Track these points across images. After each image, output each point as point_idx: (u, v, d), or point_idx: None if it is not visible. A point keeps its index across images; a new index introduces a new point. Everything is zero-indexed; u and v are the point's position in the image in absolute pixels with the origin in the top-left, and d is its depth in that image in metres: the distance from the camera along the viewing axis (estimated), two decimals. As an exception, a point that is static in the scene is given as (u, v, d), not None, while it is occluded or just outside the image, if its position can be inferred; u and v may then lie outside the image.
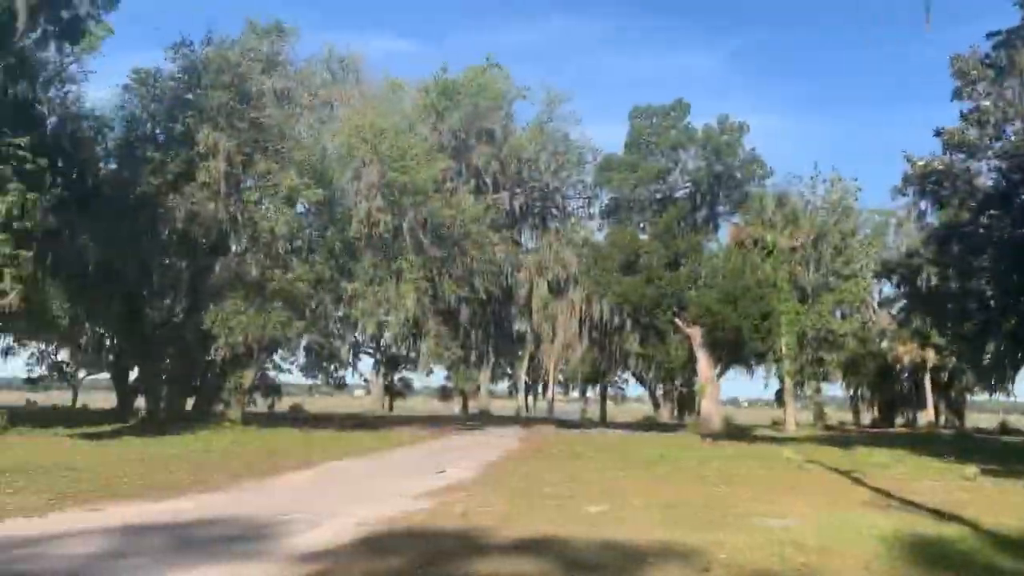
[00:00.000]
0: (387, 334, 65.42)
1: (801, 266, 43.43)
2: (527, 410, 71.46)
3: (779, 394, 69.28)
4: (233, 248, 29.64)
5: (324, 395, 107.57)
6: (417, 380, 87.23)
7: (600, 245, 34.79)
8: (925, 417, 56.25)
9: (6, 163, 19.83)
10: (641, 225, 35.65)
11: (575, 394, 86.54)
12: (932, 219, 52.82)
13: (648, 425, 48.24)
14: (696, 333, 35.17)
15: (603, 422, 50.62)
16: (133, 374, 49.88)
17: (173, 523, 9.38)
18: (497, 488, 13.30)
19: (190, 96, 29.33)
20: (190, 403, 32.25)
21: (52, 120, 28.93)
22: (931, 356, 52.13)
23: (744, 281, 33.85)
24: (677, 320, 34.88)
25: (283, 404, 65.62)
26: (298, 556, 7.75)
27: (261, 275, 27.53)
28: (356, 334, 33.11)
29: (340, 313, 31.15)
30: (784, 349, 40.42)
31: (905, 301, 55.42)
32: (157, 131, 30.55)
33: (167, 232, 28.95)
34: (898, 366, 58.19)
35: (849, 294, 46.50)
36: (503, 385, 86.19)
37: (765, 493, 13.20)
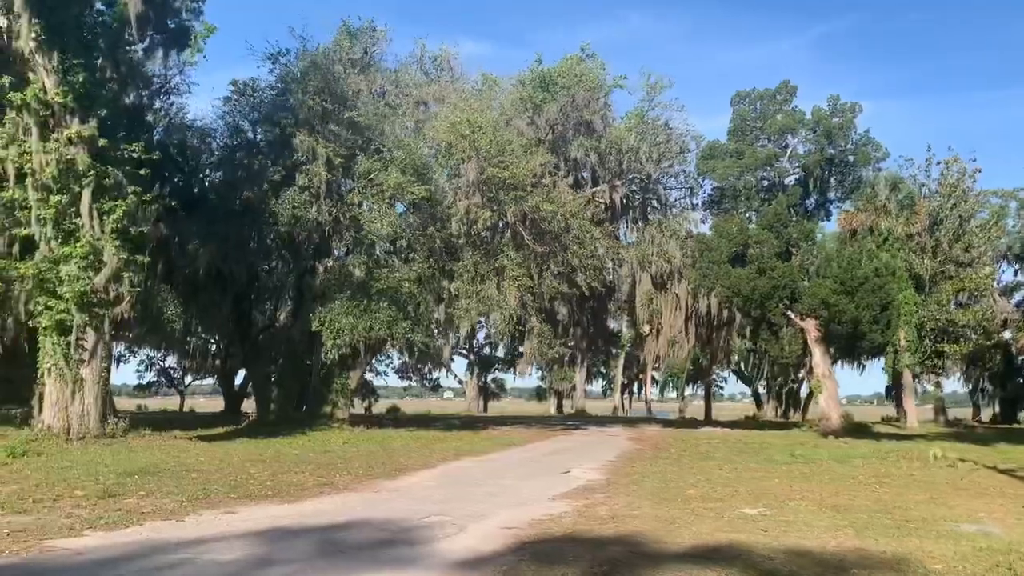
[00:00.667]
0: (481, 334, 65.61)
1: (916, 254, 41.00)
2: (623, 409, 70.33)
3: (889, 390, 66.35)
4: (336, 250, 29.59)
5: (414, 397, 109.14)
6: (509, 381, 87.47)
7: (706, 236, 33.38)
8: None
9: (121, 168, 20.03)
10: (747, 214, 34.08)
11: (670, 393, 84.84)
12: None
13: (756, 423, 46.48)
14: (811, 326, 33.41)
15: (708, 420, 49.08)
16: (239, 378, 51.34)
17: (315, 526, 8.89)
18: (634, 490, 12.46)
19: (288, 101, 29.47)
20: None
21: (158, 130, 29.60)
22: (1061, 347, 48.53)
23: (861, 270, 31.97)
24: (790, 313, 33.22)
25: (379, 406, 66.60)
26: (455, 563, 7.11)
27: (366, 276, 27.34)
28: (457, 334, 32.62)
29: (441, 313, 30.77)
30: (903, 341, 38.17)
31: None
32: (258, 138, 30.85)
33: (272, 237, 29.13)
34: (1020, 358, 54.74)
35: (971, 282, 43.71)
36: (595, 385, 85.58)
37: (937, 495, 11.95)
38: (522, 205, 28.29)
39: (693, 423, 43.28)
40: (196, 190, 29.91)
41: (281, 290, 32.07)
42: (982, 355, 48.21)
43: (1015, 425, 55.48)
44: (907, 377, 41.30)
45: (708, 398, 56.07)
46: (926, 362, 44.48)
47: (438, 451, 20.29)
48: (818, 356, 33.83)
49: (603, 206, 33.38)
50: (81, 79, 19.38)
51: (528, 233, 28.99)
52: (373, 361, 40.30)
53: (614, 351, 56.29)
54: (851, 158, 34.39)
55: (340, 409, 29.62)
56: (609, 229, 34.30)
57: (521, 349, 73.69)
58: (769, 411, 67.04)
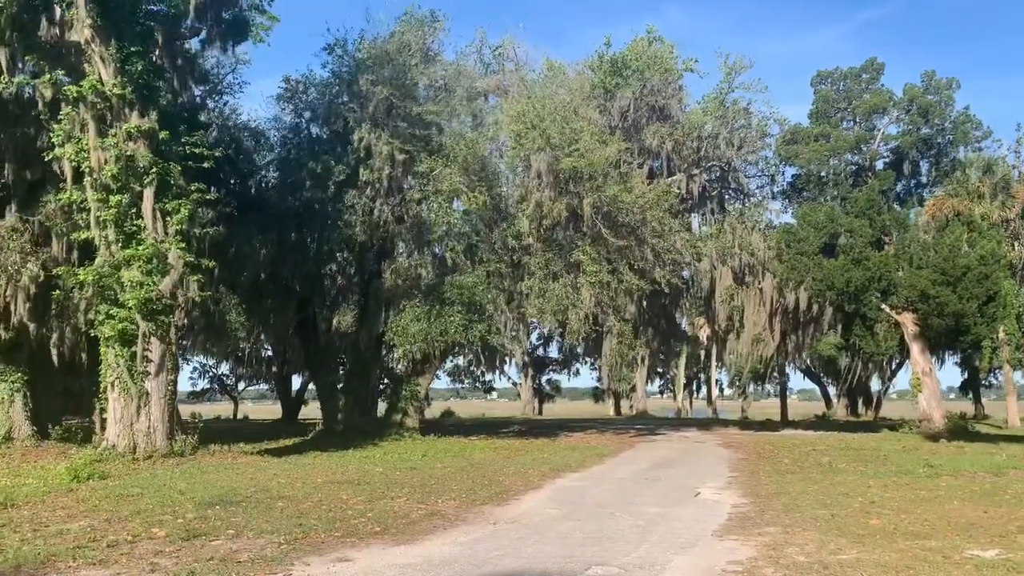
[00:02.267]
0: (534, 335, 63.86)
1: (1009, 241, 38.20)
2: (686, 410, 68.03)
3: (964, 385, 63.04)
4: (401, 251, 28.01)
5: (459, 399, 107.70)
6: (563, 381, 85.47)
7: (792, 226, 31.13)
8: None
9: (183, 164, 18.60)
10: (835, 202, 31.77)
11: (726, 391, 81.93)
12: None
13: (833, 424, 44.00)
14: (908, 320, 30.99)
15: (784, 421, 46.69)
16: (295, 384, 50.26)
17: (459, 585, 7.13)
18: (799, 518, 10.53)
19: (346, 97, 27.93)
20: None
21: (212, 131, 28.40)
22: None
23: (964, 259, 29.48)
24: (885, 307, 30.84)
25: (431, 409, 65.25)
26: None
27: (436, 278, 25.73)
28: (530, 334, 30.92)
29: (513, 313, 29.03)
30: (1003, 334, 35.45)
31: None
32: (316, 135, 29.44)
33: (334, 238, 27.69)
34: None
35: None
36: (652, 384, 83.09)
37: None
38: (599, 196, 26.34)
39: (771, 425, 41.01)
40: (253, 192, 28.63)
41: (346, 294, 30.60)
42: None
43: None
44: (1008, 373, 38.55)
45: (784, 398, 53.59)
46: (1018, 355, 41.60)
47: (529, 465, 18.51)
48: (916, 352, 31.40)
49: (679, 197, 31.24)
50: (139, 68, 17.98)
51: (605, 226, 27.03)
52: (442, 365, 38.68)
53: (676, 349, 54.01)
54: (949, 138, 31.87)
55: (410, 417, 28.07)
56: (686, 221, 32.22)
57: (578, 350, 72.38)
58: (840, 410, 64.31)
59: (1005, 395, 40.93)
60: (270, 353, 48.28)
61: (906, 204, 33.03)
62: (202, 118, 26.78)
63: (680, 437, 30.80)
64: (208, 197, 20.01)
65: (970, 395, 61.43)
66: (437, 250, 27.46)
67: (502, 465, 18.44)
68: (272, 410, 61.93)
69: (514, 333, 30.61)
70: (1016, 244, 39.59)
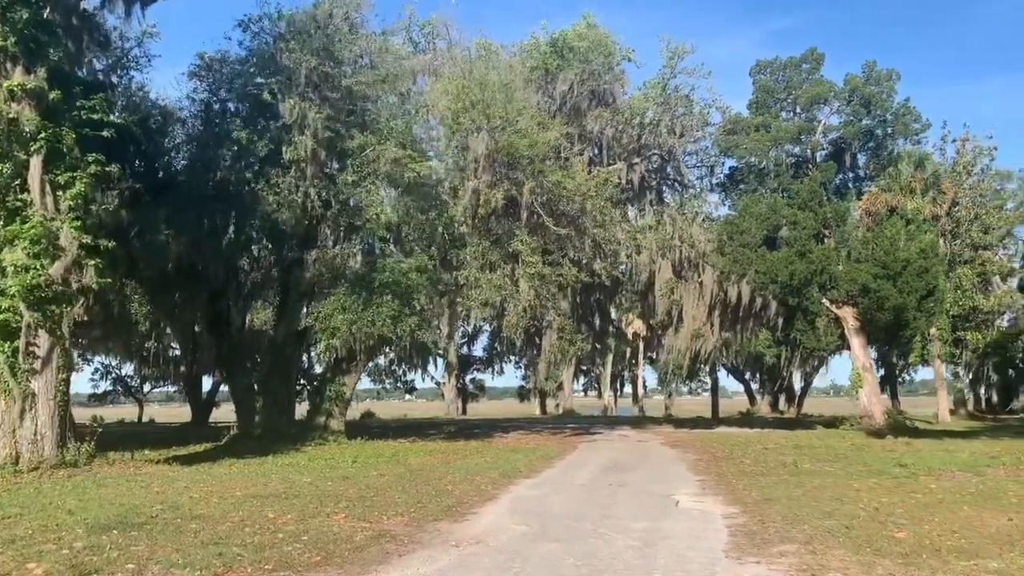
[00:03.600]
0: (457, 333, 62.01)
1: (941, 236, 38.50)
2: (613, 409, 67.25)
3: (883, 380, 64.13)
4: (329, 238, 25.82)
5: (376, 399, 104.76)
6: (487, 380, 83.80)
7: (735, 218, 30.23)
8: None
9: (79, 131, 16.13)
10: (774, 194, 31.04)
11: (651, 389, 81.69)
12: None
13: (765, 421, 43.69)
14: (848, 314, 30.50)
15: (716, 418, 46.21)
16: (206, 385, 47.08)
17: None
18: (807, 531, 9.15)
19: (268, 70, 25.59)
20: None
21: (117, 110, 25.70)
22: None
23: (904, 252, 29.12)
24: (825, 301, 30.27)
25: (350, 411, 62.60)
26: None
27: (365, 266, 23.70)
28: (462, 329, 29.11)
29: (445, 307, 27.21)
30: (934, 329, 35.56)
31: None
32: (233, 111, 26.96)
33: (252, 225, 25.36)
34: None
35: (992, 265, 41.46)
36: (576, 383, 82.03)
37: None
38: (541, 181, 24.80)
39: (704, 423, 40.26)
40: (163, 173, 25.97)
41: (264, 285, 28.17)
42: (1007, 343, 45.94)
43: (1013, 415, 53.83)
44: (937, 368, 38.79)
45: (715, 395, 53.18)
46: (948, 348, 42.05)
47: (474, 470, 16.78)
48: (856, 347, 30.93)
49: (619, 186, 29.97)
50: (24, 18, 15.44)
51: (545, 214, 25.51)
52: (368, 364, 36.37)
53: (609, 346, 53.05)
54: (889, 130, 31.54)
55: (335, 419, 25.94)
56: (631, 211, 31.01)
57: (497, 347, 70.74)
58: (764, 407, 64.63)
59: (936, 390, 41.18)
60: (178, 352, 45.04)
61: (845, 197, 32.63)
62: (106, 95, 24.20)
63: (619, 436, 29.54)
64: (109, 170, 17.54)
65: (885, 391, 62.60)
66: (366, 238, 25.39)
67: (444, 471, 16.65)
68: (181, 413, 58.36)
69: (447, 328, 28.78)
70: (946, 240, 40.01)
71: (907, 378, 64.80)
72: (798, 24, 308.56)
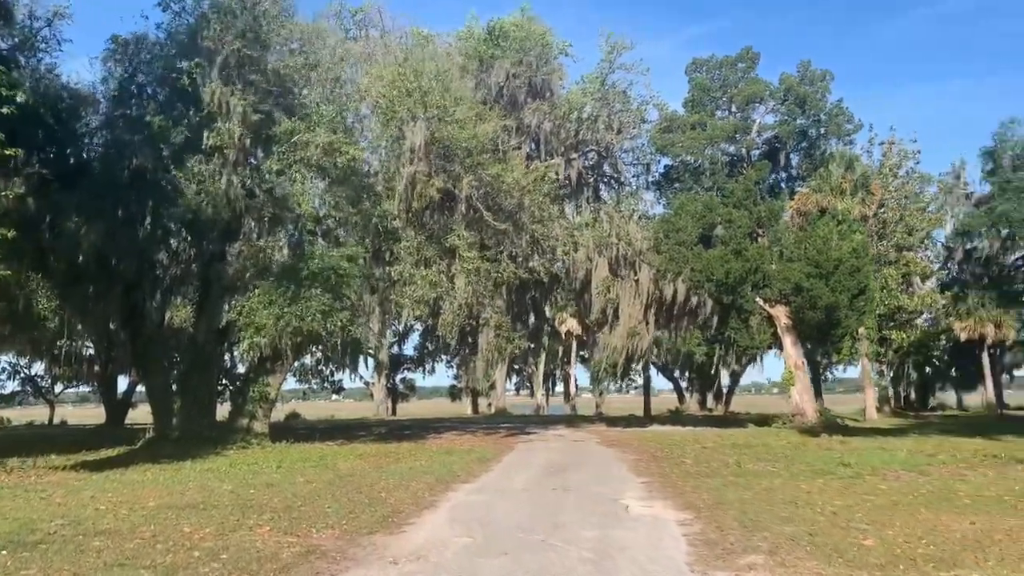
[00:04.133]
0: (389, 332, 60.78)
1: (871, 236, 39.17)
2: (544, 407, 66.89)
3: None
4: (253, 230, 24.51)
5: (302, 400, 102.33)
6: (417, 380, 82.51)
7: (671, 216, 29.99)
8: (983, 397, 52.14)
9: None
10: (710, 192, 30.96)
11: (582, 387, 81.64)
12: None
13: (696, 419, 43.81)
14: (781, 313, 30.62)
15: (648, 416, 46.22)
16: (122, 385, 44.80)
17: None
18: (774, 541, 8.61)
19: (188, 51, 24.15)
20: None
21: (25, 90, 23.92)
22: (990, 332, 48.03)
23: (837, 252, 29.34)
24: (759, 299, 30.31)
25: (275, 412, 60.70)
26: None
27: (293, 258, 22.54)
28: (396, 327, 28.12)
29: (379, 304, 26.22)
30: (862, 329, 36.07)
31: (960, 273, 51.77)
32: (150, 94, 25.40)
33: (171, 215, 23.92)
34: (943, 342, 54.26)
35: (915, 266, 42.47)
36: (508, 382, 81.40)
37: None
38: (479, 174, 24.03)
39: (637, 421, 40.09)
40: (73, 160, 24.29)
41: (183, 279, 26.64)
42: (929, 342, 47.20)
43: (935, 412, 55.54)
44: (865, 366, 39.45)
45: (647, 393, 53.07)
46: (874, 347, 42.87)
47: (408, 475, 15.90)
48: (789, 345, 31.09)
49: (557, 182, 29.41)
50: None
51: (484, 208, 24.76)
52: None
53: (544, 344, 52.64)
54: (823, 130, 31.78)
55: (259, 421, 24.67)
56: (570, 207, 30.50)
57: (429, 346, 69.62)
58: (692, 404, 65.25)
59: (859, 388, 41.87)
60: (92, 351, 42.74)
61: (779, 196, 32.80)
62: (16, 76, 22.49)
63: (554, 436, 28.99)
64: (10, 153, 16.10)
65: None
66: (293, 230, 24.20)
67: (376, 476, 15.73)
68: (96, 414, 55.62)
69: (379, 326, 27.76)
70: (874, 241, 40.75)
71: (828, 377, 66.33)
72: (725, 28, 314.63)
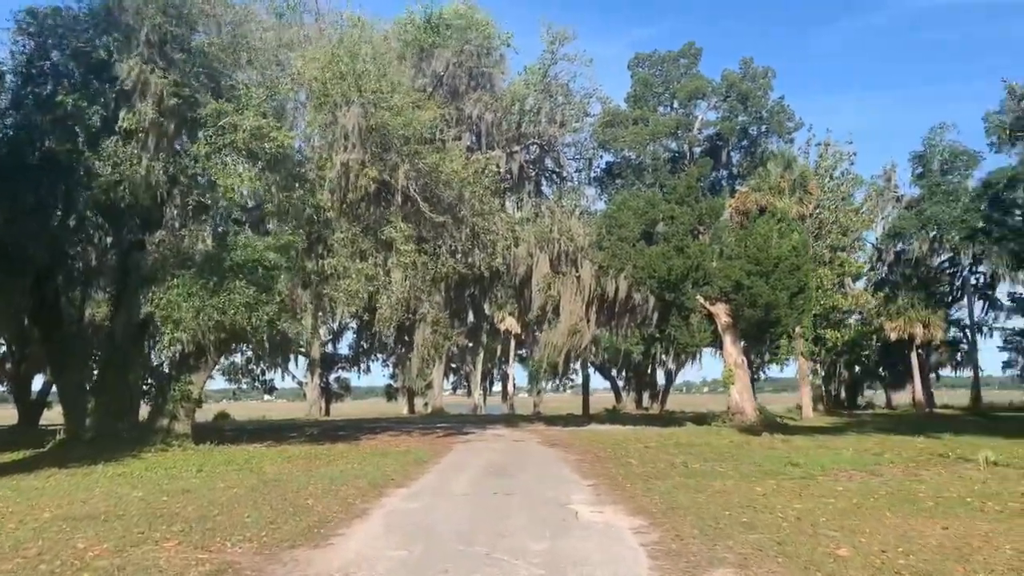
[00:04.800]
0: (323, 329, 59.16)
1: (808, 235, 39.37)
2: (482, 407, 66.00)
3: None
4: (176, 218, 23.03)
5: (232, 400, 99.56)
6: (352, 380, 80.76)
7: (614, 211, 29.41)
8: (912, 396, 53.21)
9: None
10: (651, 188, 30.51)
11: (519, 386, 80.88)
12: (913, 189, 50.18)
13: (633, 417, 43.49)
14: (721, 311, 30.37)
15: (586, 415, 45.77)
16: (38, 383, 42.29)
17: None
18: (741, 550, 7.94)
19: (106, 26, 22.55)
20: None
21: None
22: (919, 332, 49.00)
23: (776, 249, 29.21)
24: (699, 297, 30.00)
25: (203, 412, 58.55)
26: None
27: (217, 247, 21.17)
28: (331, 323, 26.92)
29: (311, 298, 24.96)
30: (800, 328, 36.21)
31: (888, 274, 52.81)
32: (63, 71, 23.69)
33: (86, 202, 22.34)
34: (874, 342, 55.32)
35: (851, 267, 42.94)
36: (446, 381, 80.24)
37: None
38: (417, 164, 23.01)
39: (575, 420, 39.55)
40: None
41: (99, 271, 24.97)
42: (862, 342, 47.88)
43: (866, 410, 56.54)
44: (802, 365, 39.63)
45: (586, 392, 52.67)
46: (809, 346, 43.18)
47: (339, 478, 14.87)
48: (729, 344, 30.89)
49: (498, 175, 28.56)
50: None
51: (422, 200, 23.75)
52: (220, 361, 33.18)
53: (482, 342, 51.78)
54: (764, 128, 31.65)
55: (180, 422, 23.21)
56: (512, 200, 29.65)
57: (364, 344, 68.01)
58: (629, 403, 65.22)
59: (790, 387, 42.10)
60: (3, 348, 40.30)
61: (720, 194, 32.56)
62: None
63: (493, 436, 28.16)
64: None
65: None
66: (219, 218, 22.82)
67: (305, 481, 14.66)
68: (8, 415, 52.63)
69: (312, 322, 26.48)
70: (810, 240, 40.99)
71: (760, 376, 67.06)
72: (664, 31, 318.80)
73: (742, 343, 31.38)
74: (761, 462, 16.57)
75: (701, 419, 36.57)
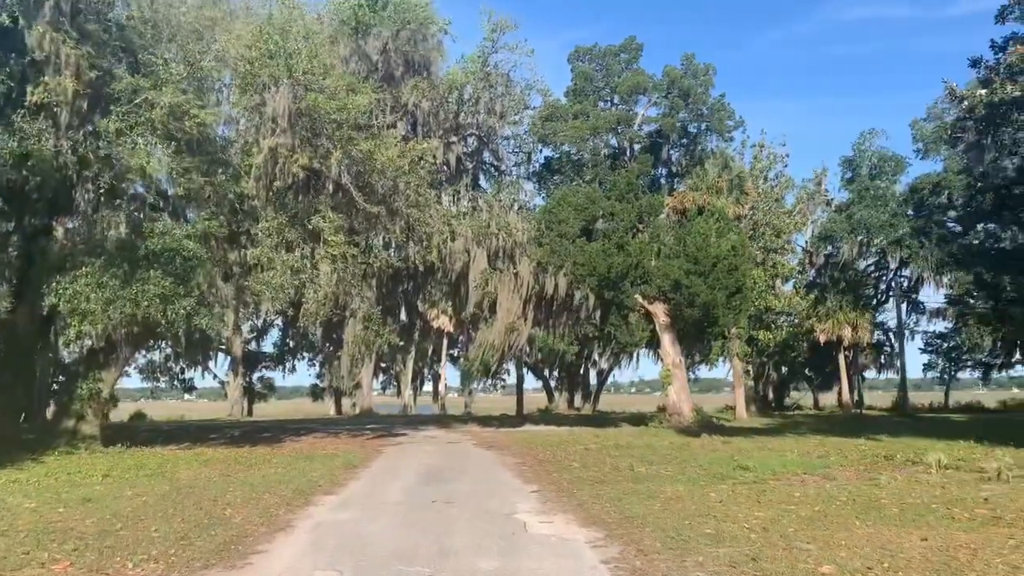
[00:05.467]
0: (246, 326, 57.07)
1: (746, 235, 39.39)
2: (412, 407, 64.60)
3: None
4: (89, 203, 21.28)
5: (152, 399, 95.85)
6: (277, 379, 78.25)
7: (554, 207, 28.65)
8: (838, 397, 54.09)
9: None
10: (591, 184, 29.87)
11: (451, 386, 79.73)
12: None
13: (569, 418, 42.91)
14: (660, 310, 29.95)
15: (520, 416, 45.01)
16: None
17: None
18: (713, 568, 7.13)
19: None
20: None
21: None
22: (847, 334, 49.73)
23: (715, 248, 28.93)
24: (638, 296, 29.52)
25: (118, 412, 55.82)
26: None
27: (131, 233, 19.59)
28: (255, 319, 25.42)
29: (232, 292, 23.50)
30: (735, 328, 36.13)
31: (817, 277, 53.49)
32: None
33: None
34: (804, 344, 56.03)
35: (784, 268, 43.21)
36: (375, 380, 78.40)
37: None
38: (350, 151, 21.79)
39: (510, 421, 38.70)
40: None
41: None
42: (794, 343, 48.28)
43: (798, 411, 57.26)
44: (736, 366, 39.61)
45: (520, 392, 51.82)
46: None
47: (261, 485, 13.66)
48: (667, 343, 30.50)
49: (435, 166, 27.47)
50: None
51: (355, 189, 22.55)
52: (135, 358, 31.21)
53: (415, 340, 50.51)
54: (705, 125, 31.32)
55: (88, 423, 21.49)
56: (439, 195, 28.53)
57: (290, 342, 65.91)
58: (561, 403, 64.71)
59: (728, 387, 42.04)
60: None
61: (659, 192, 32.14)
62: None
63: (426, 438, 27.07)
64: None
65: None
66: (134, 204, 21.18)
67: (223, 487, 13.40)
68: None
69: (234, 317, 24.98)
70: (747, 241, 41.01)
71: (690, 376, 67.35)
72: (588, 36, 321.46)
73: (679, 344, 30.97)
74: (707, 465, 15.98)
75: (636, 419, 36.18)
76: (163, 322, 19.53)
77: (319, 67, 21.16)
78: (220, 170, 21.58)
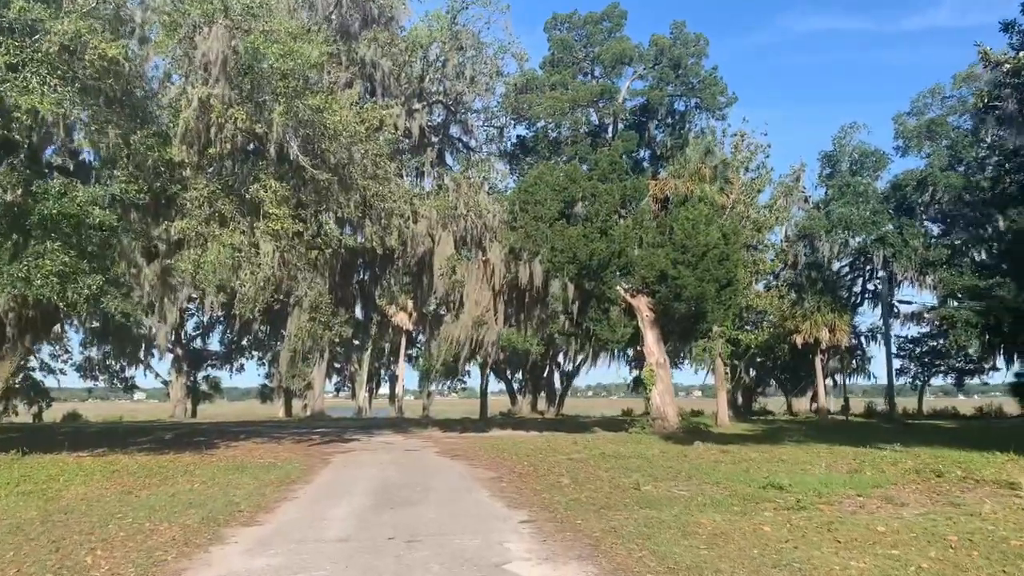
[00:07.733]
0: (191, 323, 53.11)
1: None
2: (367, 410, 61.01)
3: (637, 382, 63.67)
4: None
5: (97, 399, 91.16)
6: (224, 379, 73.98)
7: (529, 186, 25.62)
8: (811, 401, 51.91)
9: None
10: (571, 163, 26.95)
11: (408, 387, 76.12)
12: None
13: (535, 422, 39.94)
14: (643, 304, 27.08)
15: (485, 419, 41.90)
16: None
17: None
18: None
19: None
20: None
21: None
22: (825, 336, 47.53)
23: (705, 236, 26.16)
24: (620, 288, 26.65)
25: (52, 412, 51.76)
26: None
27: (22, 196, 16.09)
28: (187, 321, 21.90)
29: (155, 271, 20.11)
30: (718, 328, 33.45)
31: (797, 277, 51.28)
32: None
33: None
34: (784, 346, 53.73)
35: (763, 264, 40.74)
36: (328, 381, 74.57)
37: None
38: (296, 108, 18.51)
39: (473, 425, 35.58)
40: None
41: None
42: (774, 344, 45.92)
43: (770, 415, 55.03)
44: (719, 368, 36.94)
45: (485, 394, 48.66)
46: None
47: (162, 510, 10.37)
48: (651, 341, 27.60)
49: (395, 135, 24.26)
50: None
51: (302, 155, 19.27)
52: (36, 347, 27.36)
53: (370, 336, 47.16)
54: (696, 100, 28.55)
55: (-26, 424, 17.84)
56: (400, 169, 25.32)
57: (236, 339, 61.96)
58: (524, 406, 61.72)
59: (716, 391, 39.25)
60: None
61: (643, 176, 29.32)
62: None
63: (382, 444, 23.81)
64: None
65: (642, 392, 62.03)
66: (25, 158, 17.61)
67: (111, 513, 10.10)
68: None
69: (159, 303, 21.49)
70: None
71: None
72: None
73: (664, 341, 28.14)
74: (723, 481, 13.05)
75: (610, 424, 33.38)
76: (61, 304, 16.05)
77: (261, 7, 17.84)
78: (139, 124, 18.16)
